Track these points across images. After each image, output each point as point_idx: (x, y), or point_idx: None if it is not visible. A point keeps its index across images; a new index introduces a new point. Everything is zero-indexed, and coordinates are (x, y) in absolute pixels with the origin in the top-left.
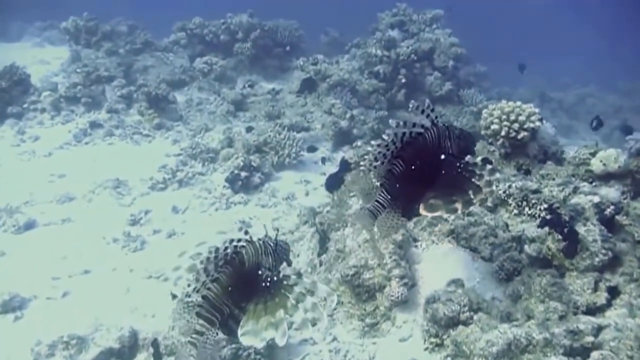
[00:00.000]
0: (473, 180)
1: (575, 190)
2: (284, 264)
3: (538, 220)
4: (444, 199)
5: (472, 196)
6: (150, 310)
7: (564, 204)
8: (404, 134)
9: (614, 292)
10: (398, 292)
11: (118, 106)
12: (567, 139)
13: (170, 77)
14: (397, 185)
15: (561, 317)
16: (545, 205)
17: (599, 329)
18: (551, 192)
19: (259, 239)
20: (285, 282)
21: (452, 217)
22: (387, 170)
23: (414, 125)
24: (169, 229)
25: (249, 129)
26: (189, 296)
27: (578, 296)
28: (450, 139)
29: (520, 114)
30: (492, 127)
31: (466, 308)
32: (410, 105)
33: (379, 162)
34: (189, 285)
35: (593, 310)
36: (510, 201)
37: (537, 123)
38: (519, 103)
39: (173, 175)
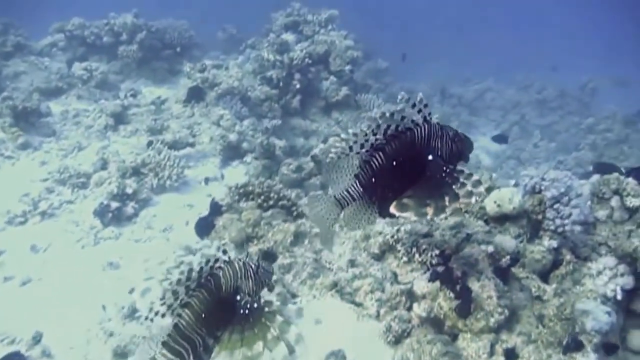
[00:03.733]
0: (454, 187)
1: (469, 238)
2: (266, 289)
3: (429, 273)
4: (416, 201)
5: (446, 203)
6: None
7: (456, 252)
8: (388, 126)
9: (512, 355)
10: None
11: None
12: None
13: (45, 85)
14: (373, 180)
15: None
16: (437, 252)
17: None
18: (443, 237)
19: (239, 260)
20: (266, 310)
21: (335, 268)
22: (365, 161)
23: (403, 118)
24: (23, 275)
25: (149, 144)
26: (151, 320)
27: None
28: (443, 139)
29: None
30: None
31: None
32: (400, 97)
33: (354, 152)
34: (150, 310)
35: None
36: (399, 247)
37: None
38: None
39: (35, 207)
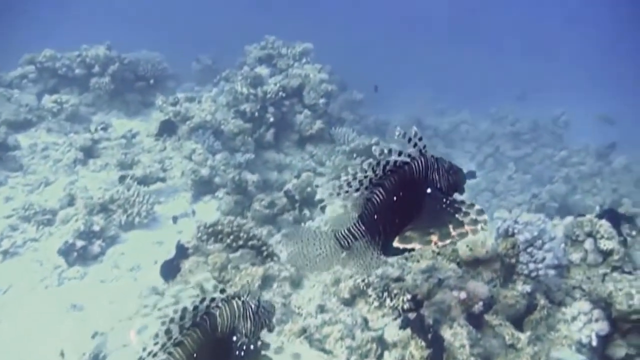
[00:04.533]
0: (457, 215)
1: (441, 283)
2: (265, 330)
3: (400, 319)
4: (420, 232)
5: (451, 230)
6: None
7: (428, 297)
8: (387, 162)
9: None
10: None
11: None
12: None
13: (13, 118)
14: (375, 217)
15: None
16: (409, 296)
17: None
18: (415, 281)
19: (239, 299)
20: (263, 353)
21: (304, 313)
22: (365, 198)
23: (400, 154)
24: None
25: (121, 179)
26: None
27: None
28: (439, 172)
29: None
30: None
31: None
32: (397, 133)
33: (353, 189)
34: (144, 349)
35: None
36: (369, 292)
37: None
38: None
39: None
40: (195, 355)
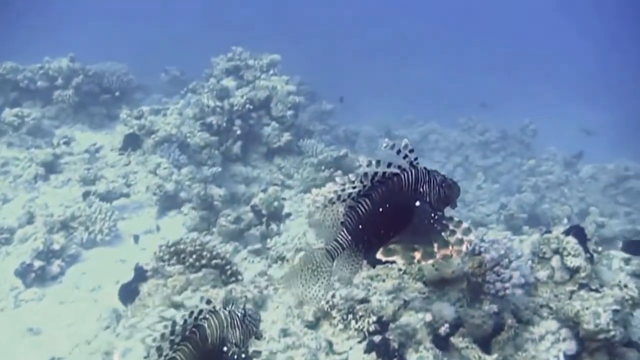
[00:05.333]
0: (443, 234)
1: (406, 305)
2: (253, 337)
3: (365, 343)
4: (404, 247)
5: (435, 249)
6: None
7: (394, 319)
8: (375, 173)
9: None
10: None
11: None
12: None
13: None
14: (360, 227)
15: None
16: (374, 318)
17: None
18: (380, 302)
19: (225, 309)
20: None
21: (267, 337)
22: (350, 207)
23: (390, 165)
24: None
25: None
26: None
27: None
28: (430, 185)
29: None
30: (316, 216)
31: None
32: (385, 144)
33: (341, 200)
34: None
35: None
36: (334, 314)
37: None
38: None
39: None
40: None
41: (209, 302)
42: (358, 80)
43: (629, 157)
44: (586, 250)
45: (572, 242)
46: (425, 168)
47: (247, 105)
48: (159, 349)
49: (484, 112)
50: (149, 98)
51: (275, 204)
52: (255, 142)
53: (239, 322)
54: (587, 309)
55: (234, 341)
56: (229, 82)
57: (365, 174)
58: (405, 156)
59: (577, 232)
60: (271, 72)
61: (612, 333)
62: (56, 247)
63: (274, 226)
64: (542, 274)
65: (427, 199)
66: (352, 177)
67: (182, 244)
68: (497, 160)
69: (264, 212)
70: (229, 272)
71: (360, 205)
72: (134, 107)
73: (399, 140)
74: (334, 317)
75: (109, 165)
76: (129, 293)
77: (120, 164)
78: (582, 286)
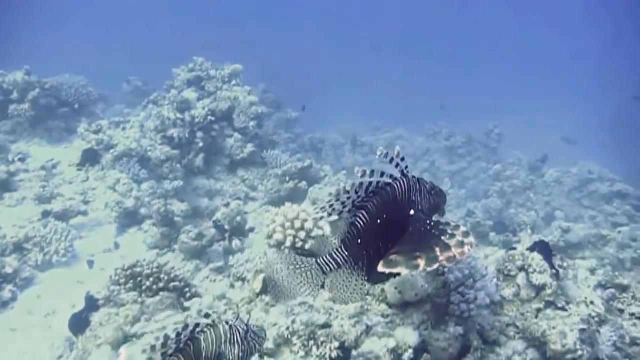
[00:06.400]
0: (443, 238)
1: (369, 331)
2: (256, 356)
3: None
4: (405, 256)
5: (438, 254)
6: None
7: (356, 346)
8: (370, 183)
9: None
10: None
11: None
12: None
13: None
14: (359, 241)
15: None
16: (336, 344)
17: None
18: (342, 327)
19: (227, 323)
20: None
21: None
22: (349, 223)
23: (382, 175)
24: None
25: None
26: None
27: None
28: (421, 193)
29: (307, 220)
30: (275, 236)
31: None
32: (378, 153)
33: (336, 213)
34: None
35: None
36: (295, 340)
37: (327, 229)
38: (303, 207)
39: None
40: None
41: (207, 315)
42: (325, 87)
43: (594, 161)
44: (552, 266)
45: (537, 258)
46: (414, 176)
47: (209, 117)
48: None
49: (445, 116)
50: (111, 109)
51: (238, 218)
52: (218, 155)
53: (239, 338)
54: (553, 328)
55: (230, 358)
56: (190, 94)
57: (361, 184)
58: (397, 165)
59: (542, 248)
60: (233, 82)
61: (580, 353)
62: (8, 270)
63: (237, 241)
64: (508, 292)
65: (420, 207)
66: (347, 187)
67: (139, 266)
68: (464, 166)
69: (226, 227)
70: (187, 294)
71: (357, 219)
72: (93, 120)
73: (391, 150)
74: (295, 344)
75: (67, 182)
76: (79, 323)
77: (79, 180)
78: (548, 304)
